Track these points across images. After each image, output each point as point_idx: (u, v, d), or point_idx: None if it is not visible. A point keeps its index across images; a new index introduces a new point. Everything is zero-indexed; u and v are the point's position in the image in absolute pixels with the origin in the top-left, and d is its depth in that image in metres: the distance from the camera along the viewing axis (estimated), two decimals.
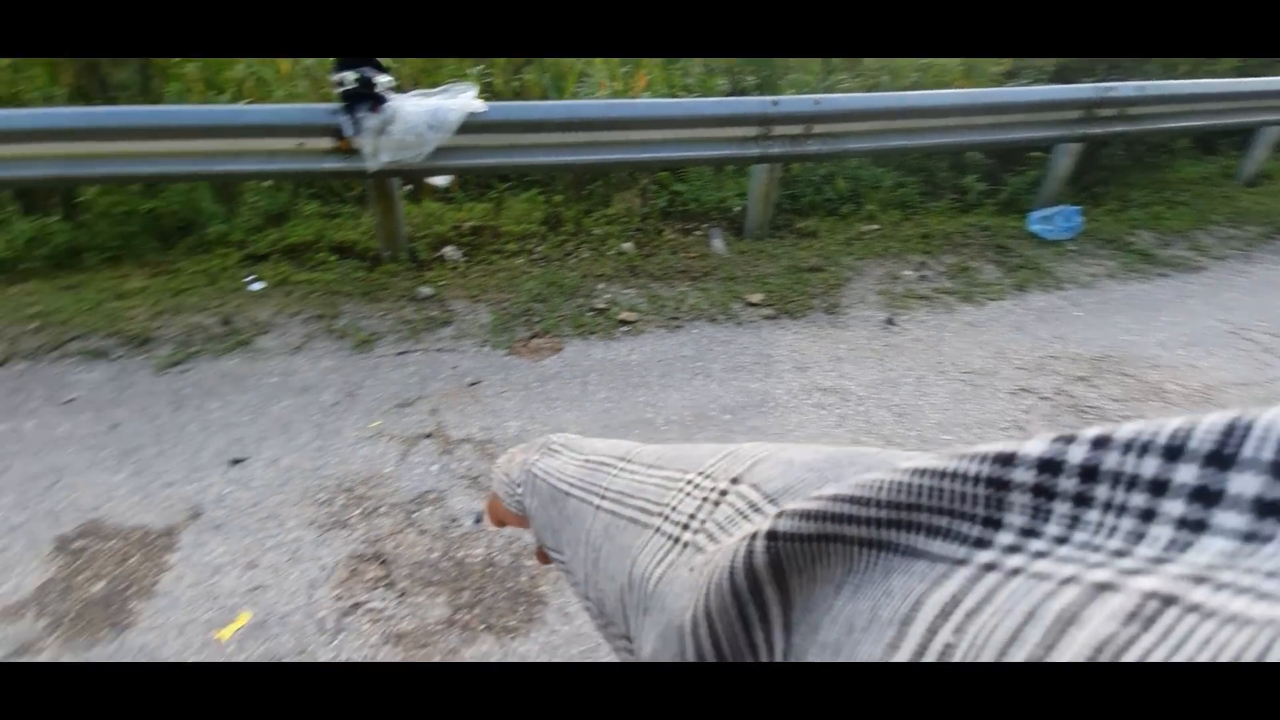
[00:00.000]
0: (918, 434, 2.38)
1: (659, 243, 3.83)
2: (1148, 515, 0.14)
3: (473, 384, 2.63)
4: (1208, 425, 0.14)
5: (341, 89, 2.91)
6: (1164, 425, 0.15)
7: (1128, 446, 0.15)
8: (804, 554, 0.20)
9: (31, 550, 1.86)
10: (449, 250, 3.60)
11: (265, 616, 1.69)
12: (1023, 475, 0.16)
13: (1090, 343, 2.99)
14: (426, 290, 3.26)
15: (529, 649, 1.63)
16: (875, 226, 4.09)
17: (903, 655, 0.17)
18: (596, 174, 4.15)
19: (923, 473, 0.18)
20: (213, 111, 3.15)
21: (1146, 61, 4.57)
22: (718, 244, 3.83)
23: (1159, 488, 0.14)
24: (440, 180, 4.04)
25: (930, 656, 0.16)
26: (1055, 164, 4.16)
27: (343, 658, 1.59)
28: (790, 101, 3.46)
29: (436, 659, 1.59)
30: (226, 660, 1.57)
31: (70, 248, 3.47)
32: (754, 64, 4.74)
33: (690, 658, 0.23)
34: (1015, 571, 0.15)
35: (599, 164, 3.58)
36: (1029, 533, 0.16)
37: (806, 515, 0.20)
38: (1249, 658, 0.11)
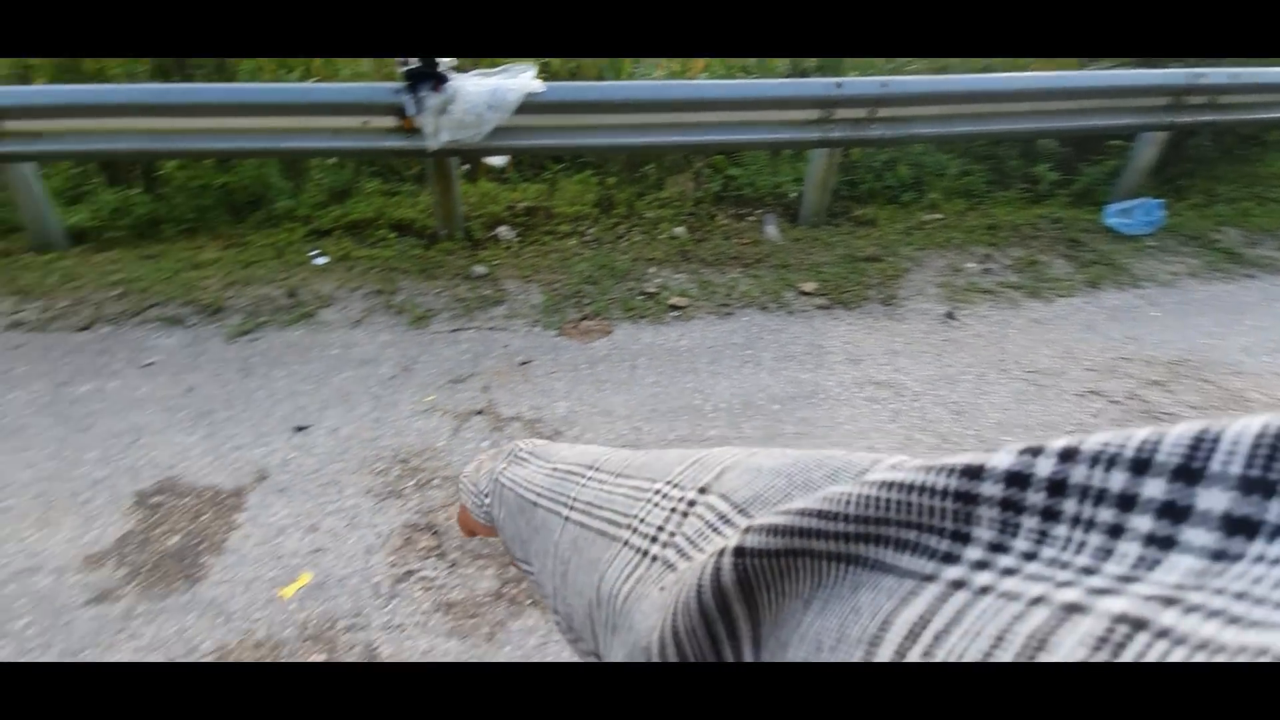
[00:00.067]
0: (976, 433, 2.30)
1: (711, 228, 3.79)
2: (1116, 531, 0.14)
3: (524, 363, 2.67)
4: (1175, 437, 0.14)
5: (405, 68, 2.96)
6: (1131, 437, 0.14)
7: (1095, 459, 0.15)
8: (772, 569, 0.20)
9: (113, 504, 1.99)
10: (503, 230, 3.64)
11: (324, 578, 1.77)
12: (990, 489, 0.16)
13: (1167, 345, 2.83)
14: (480, 269, 3.31)
15: None
16: (938, 216, 3.95)
17: None
18: (650, 156, 4.12)
19: (891, 486, 0.18)
20: (283, 89, 3.24)
21: None
22: (771, 230, 3.76)
23: (1127, 502, 0.14)
24: (497, 160, 4.07)
25: None
26: (1137, 154, 3.92)
27: (396, 623, 1.65)
28: (855, 83, 3.33)
29: (485, 630, 1.64)
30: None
31: (150, 218, 3.65)
32: None
33: None
34: (984, 590, 0.15)
35: (654, 146, 3.54)
36: (997, 548, 0.16)
37: (774, 530, 0.20)
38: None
